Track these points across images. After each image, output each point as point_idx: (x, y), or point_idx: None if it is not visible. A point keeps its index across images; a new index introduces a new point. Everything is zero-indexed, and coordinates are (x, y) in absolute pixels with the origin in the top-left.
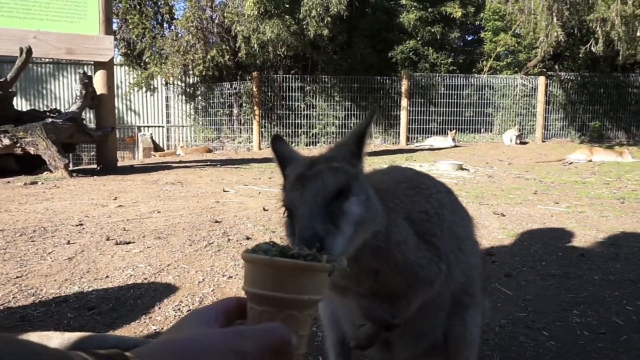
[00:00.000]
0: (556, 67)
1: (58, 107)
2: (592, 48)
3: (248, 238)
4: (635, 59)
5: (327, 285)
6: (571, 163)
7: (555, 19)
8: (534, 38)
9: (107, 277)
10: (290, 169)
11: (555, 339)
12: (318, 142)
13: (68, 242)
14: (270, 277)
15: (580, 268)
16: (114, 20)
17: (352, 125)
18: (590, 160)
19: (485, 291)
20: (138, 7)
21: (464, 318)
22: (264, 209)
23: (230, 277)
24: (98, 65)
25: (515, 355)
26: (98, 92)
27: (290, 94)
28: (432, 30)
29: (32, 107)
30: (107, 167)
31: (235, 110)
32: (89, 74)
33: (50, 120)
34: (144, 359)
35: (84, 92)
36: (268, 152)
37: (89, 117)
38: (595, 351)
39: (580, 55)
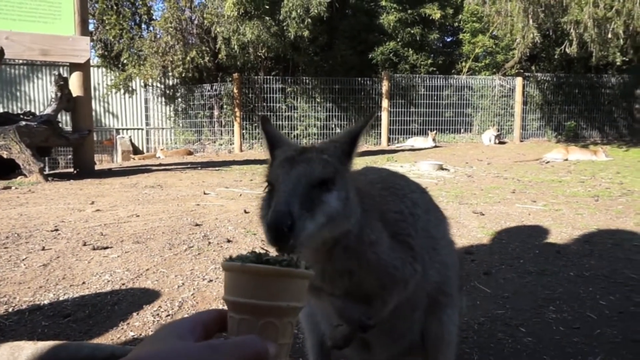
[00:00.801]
0: (533, 68)
1: (33, 110)
2: (566, 50)
3: (229, 241)
4: (607, 60)
5: (305, 293)
6: (548, 162)
7: (531, 21)
8: (511, 40)
9: (84, 283)
10: (280, 150)
11: (532, 335)
12: (300, 143)
13: (43, 248)
14: (246, 284)
15: (556, 265)
16: (90, 20)
17: (333, 126)
18: (567, 159)
19: (462, 290)
20: (115, 7)
21: (441, 317)
22: (245, 211)
23: (211, 280)
24: (74, 67)
25: (493, 352)
26: (74, 94)
27: (272, 95)
28: (412, 31)
29: (5, 110)
30: (84, 170)
31: (216, 112)
32: (65, 75)
33: (24, 123)
34: None
35: (59, 94)
36: (249, 154)
37: (65, 120)
38: (571, 346)
39: (556, 56)
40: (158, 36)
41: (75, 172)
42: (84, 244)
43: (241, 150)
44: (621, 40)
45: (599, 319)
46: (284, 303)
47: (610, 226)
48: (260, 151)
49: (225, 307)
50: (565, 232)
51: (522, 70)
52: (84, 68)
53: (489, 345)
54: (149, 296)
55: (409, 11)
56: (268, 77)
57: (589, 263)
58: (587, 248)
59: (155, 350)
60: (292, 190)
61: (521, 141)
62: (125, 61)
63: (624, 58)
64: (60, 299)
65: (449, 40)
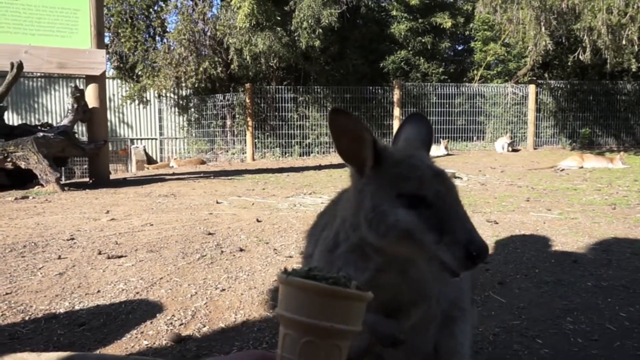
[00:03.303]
0: (546, 75)
1: (50, 121)
2: (580, 57)
3: (242, 250)
4: (622, 66)
5: (361, 317)
6: (563, 170)
7: (543, 29)
8: (523, 47)
9: (99, 292)
10: (391, 153)
11: (549, 347)
12: (312, 152)
13: (59, 257)
14: (291, 299)
15: (573, 275)
16: (106, 33)
17: None
18: (582, 167)
19: (474, 302)
20: (130, 20)
21: (454, 331)
22: (258, 220)
23: (224, 289)
24: (90, 79)
25: None
26: (90, 106)
27: (283, 104)
28: (423, 40)
29: (24, 122)
30: (100, 180)
31: (228, 122)
32: (81, 87)
33: (41, 134)
34: None
35: (75, 105)
36: (262, 163)
37: (81, 131)
38: (589, 358)
39: (569, 63)
40: (172, 48)
41: (90, 181)
42: (99, 253)
43: (253, 159)
44: (636, 47)
45: (619, 331)
46: (327, 323)
47: (628, 235)
48: (273, 160)
49: (270, 350)
50: (582, 241)
51: (534, 78)
52: (99, 80)
53: (504, 357)
54: (162, 305)
55: (420, 20)
56: (280, 86)
57: (607, 273)
58: (604, 257)
59: None
60: (466, 214)
61: (535, 149)
62: (139, 72)
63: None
64: (76, 307)
65: (460, 48)
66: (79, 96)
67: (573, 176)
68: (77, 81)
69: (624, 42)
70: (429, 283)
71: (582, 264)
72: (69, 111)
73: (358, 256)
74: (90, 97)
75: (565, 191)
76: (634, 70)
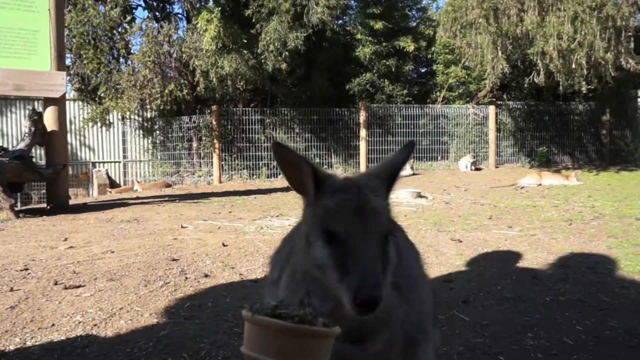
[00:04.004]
0: (504, 96)
1: (5, 145)
2: (535, 79)
3: (207, 275)
4: (574, 88)
5: (329, 352)
6: (523, 187)
7: (500, 53)
8: (482, 70)
9: (53, 325)
10: (329, 184)
11: None
12: (279, 174)
13: (11, 289)
14: (256, 337)
15: (533, 290)
16: (68, 55)
17: (312, 156)
18: (540, 184)
19: (436, 322)
20: (93, 42)
21: (417, 354)
22: (224, 244)
23: (187, 318)
24: (49, 101)
25: None
26: (49, 129)
27: (251, 126)
28: (387, 63)
29: None
30: (58, 206)
31: (194, 144)
32: (39, 109)
33: None
34: None
35: (33, 129)
36: (229, 186)
37: (39, 154)
38: None
39: (525, 85)
40: (136, 70)
41: (48, 207)
42: (55, 283)
43: (220, 182)
44: (585, 70)
45: (575, 345)
46: None
47: (583, 250)
48: (240, 182)
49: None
50: (541, 256)
51: (494, 99)
52: (59, 102)
53: None
54: (122, 337)
55: (384, 44)
56: (247, 108)
57: (564, 287)
58: (562, 272)
59: None
60: (374, 257)
61: (496, 167)
62: (102, 94)
63: (589, 86)
64: (27, 343)
65: (423, 71)
66: (36, 119)
67: (532, 193)
68: (36, 103)
69: (573, 65)
70: (393, 308)
71: (541, 280)
72: (26, 135)
73: (319, 286)
74: (49, 120)
75: (525, 208)
76: (584, 92)
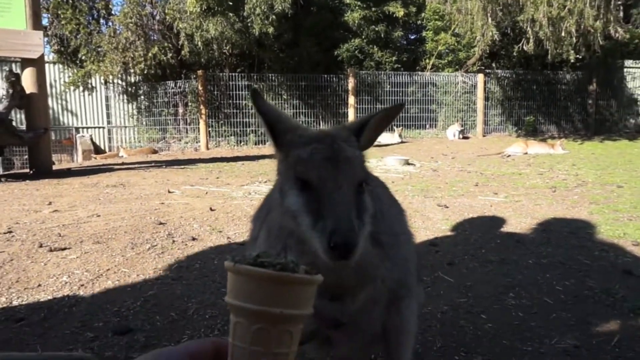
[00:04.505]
0: (493, 65)
1: None
2: (524, 47)
3: (194, 239)
4: (562, 57)
5: (311, 300)
6: (509, 156)
7: (490, 19)
8: (472, 37)
9: (39, 285)
10: (296, 137)
11: (492, 322)
12: (267, 141)
13: None
14: (240, 286)
15: (516, 253)
16: (45, 15)
17: (300, 123)
18: (526, 153)
19: (420, 280)
20: (71, 1)
21: (400, 309)
22: (211, 209)
23: (175, 279)
24: (26, 63)
25: (455, 340)
26: (28, 91)
27: (237, 92)
28: (376, 29)
29: None
30: (41, 170)
31: (180, 110)
32: (17, 71)
33: None
34: None
35: (11, 91)
36: (216, 152)
37: (19, 119)
38: (528, 330)
39: (514, 53)
40: (118, 32)
41: (31, 172)
42: (40, 246)
43: (207, 149)
44: (574, 39)
45: (555, 304)
46: (276, 309)
47: (566, 215)
48: (227, 149)
49: (223, 337)
50: (525, 222)
51: (483, 67)
52: (37, 64)
53: (451, 333)
54: (109, 296)
55: (373, 9)
56: (233, 74)
57: (547, 251)
58: (544, 236)
59: None
60: (348, 201)
61: (484, 136)
62: (83, 57)
63: (577, 56)
64: (14, 303)
65: (412, 37)
66: (14, 80)
67: (518, 161)
68: (13, 65)
69: (563, 33)
70: (373, 265)
71: (524, 243)
72: (4, 97)
73: (295, 239)
74: (28, 81)
75: (511, 176)
76: (572, 61)
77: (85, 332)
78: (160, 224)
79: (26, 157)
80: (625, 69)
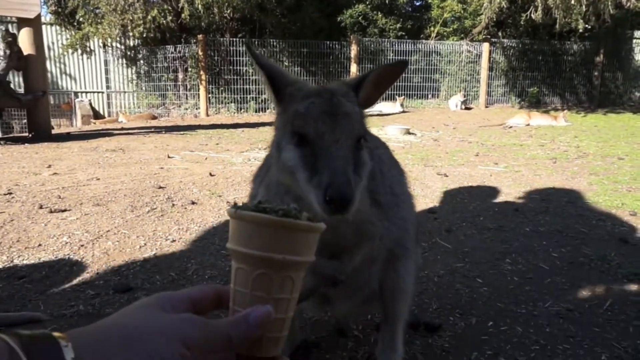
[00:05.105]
0: (499, 34)
1: None
2: (532, 15)
3: (193, 203)
4: (570, 27)
5: (313, 248)
6: (511, 127)
7: None
8: (479, 4)
9: (40, 245)
10: (295, 90)
11: (488, 285)
12: (267, 109)
13: None
14: (241, 233)
15: (514, 221)
16: None
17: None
18: (528, 124)
19: (418, 242)
20: None
21: (398, 268)
22: (211, 174)
23: (174, 240)
24: (23, 23)
25: (451, 302)
26: (25, 52)
27: (238, 58)
28: None
29: None
30: (40, 134)
31: (180, 75)
32: (13, 32)
33: None
34: (77, 342)
35: (7, 51)
36: (216, 119)
37: (17, 82)
38: (523, 294)
39: (522, 22)
40: None
41: (30, 135)
42: (40, 207)
43: (207, 115)
44: (583, 7)
45: (551, 269)
46: (278, 255)
47: (565, 186)
48: (228, 115)
49: (224, 284)
50: (524, 191)
51: (489, 36)
52: (34, 24)
53: (447, 296)
54: (109, 256)
55: None
56: (234, 39)
57: (544, 219)
58: (543, 206)
59: (128, 320)
60: (346, 156)
61: (486, 107)
62: (81, 19)
63: (586, 25)
64: (15, 261)
65: (418, 4)
66: (11, 41)
67: (520, 133)
68: (10, 26)
69: (572, 1)
70: (372, 224)
71: (523, 212)
72: (1, 58)
73: (292, 196)
74: (25, 42)
75: (512, 146)
76: (580, 30)
77: (86, 289)
78: (160, 187)
79: (25, 120)
80: (634, 40)
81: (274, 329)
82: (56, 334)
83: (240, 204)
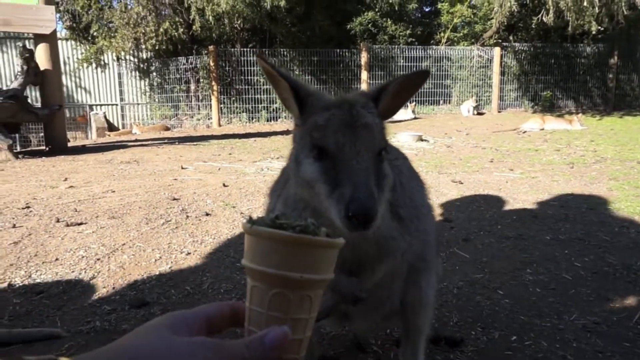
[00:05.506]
0: (511, 38)
1: None
2: (543, 18)
3: (208, 214)
4: (583, 29)
5: (332, 264)
6: (525, 132)
7: None
8: (489, 9)
9: (57, 259)
10: (315, 100)
11: (509, 297)
12: (279, 118)
13: (13, 226)
14: (257, 249)
15: (533, 229)
16: None
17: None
18: (543, 129)
19: (439, 253)
20: None
21: (420, 283)
22: (224, 185)
23: (189, 253)
24: (39, 38)
25: (472, 315)
26: (42, 67)
27: (249, 68)
28: (390, 1)
29: None
30: (57, 147)
31: (192, 86)
32: (30, 47)
33: None
34: None
35: (25, 67)
36: (228, 129)
37: (34, 96)
38: (546, 306)
39: (533, 25)
40: (129, 7)
41: (47, 149)
42: (57, 221)
43: (219, 125)
44: (596, 9)
45: (574, 280)
46: (296, 274)
47: (584, 191)
48: (239, 125)
49: (240, 298)
50: (542, 198)
51: (500, 40)
52: (50, 39)
53: (467, 308)
54: (125, 270)
55: None
56: (245, 49)
57: (565, 227)
58: (562, 213)
59: (139, 341)
60: (367, 169)
61: (499, 112)
62: (95, 33)
63: (599, 27)
64: (33, 276)
65: (427, 10)
66: (28, 57)
67: (534, 137)
68: (27, 42)
69: (585, 3)
70: (394, 238)
71: (542, 219)
72: (19, 73)
73: (311, 211)
74: (42, 58)
75: (527, 152)
76: (594, 32)
77: (102, 305)
78: (174, 199)
79: (42, 134)
80: None
81: (291, 350)
82: (63, 358)
83: (256, 218)
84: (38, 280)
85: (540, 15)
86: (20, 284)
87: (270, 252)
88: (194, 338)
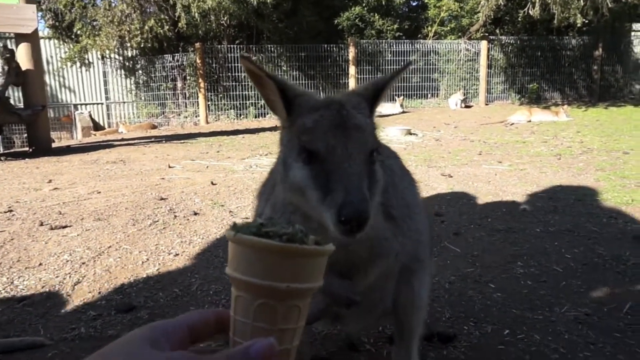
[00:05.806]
0: (497, 31)
1: None
2: (529, 12)
3: (196, 213)
4: (568, 22)
5: (322, 272)
6: (512, 124)
7: None
8: (476, 2)
9: (41, 264)
10: (304, 101)
11: (501, 291)
12: (267, 114)
13: None
14: (242, 258)
15: (523, 222)
16: None
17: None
18: (530, 121)
19: (432, 252)
20: None
21: (412, 283)
22: (212, 183)
23: (177, 254)
24: (20, 38)
25: (464, 309)
26: (23, 67)
27: (236, 64)
28: None
29: None
30: (40, 148)
31: (179, 84)
32: (11, 47)
33: None
34: None
35: (6, 67)
36: (216, 126)
37: (17, 97)
38: (538, 298)
39: (519, 19)
40: (113, 5)
41: (30, 150)
42: (41, 224)
43: (207, 122)
44: (581, 2)
45: (564, 272)
46: (282, 284)
47: (572, 183)
48: (227, 122)
49: (229, 301)
50: (530, 190)
51: (486, 34)
52: (32, 39)
53: (459, 303)
54: (111, 274)
55: None
56: (232, 45)
57: (554, 219)
58: (551, 204)
59: (112, 359)
60: (359, 172)
61: (486, 104)
62: (78, 32)
63: (584, 20)
64: (15, 282)
65: (414, 4)
66: (9, 57)
67: (522, 130)
68: (8, 42)
69: None
70: (386, 240)
71: (531, 212)
72: (0, 74)
73: (301, 216)
74: (23, 58)
75: (515, 144)
76: (579, 25)
77: (87, 310)
78: (162, 199)
79: (26, 135)
80: (632, 33)
81: (279, 359)
82: None
83: (241, 224)
84: (20, 287)
85: (526, 9)
86: (2, 291)
87: (255, 262)
88: (173, 353)
